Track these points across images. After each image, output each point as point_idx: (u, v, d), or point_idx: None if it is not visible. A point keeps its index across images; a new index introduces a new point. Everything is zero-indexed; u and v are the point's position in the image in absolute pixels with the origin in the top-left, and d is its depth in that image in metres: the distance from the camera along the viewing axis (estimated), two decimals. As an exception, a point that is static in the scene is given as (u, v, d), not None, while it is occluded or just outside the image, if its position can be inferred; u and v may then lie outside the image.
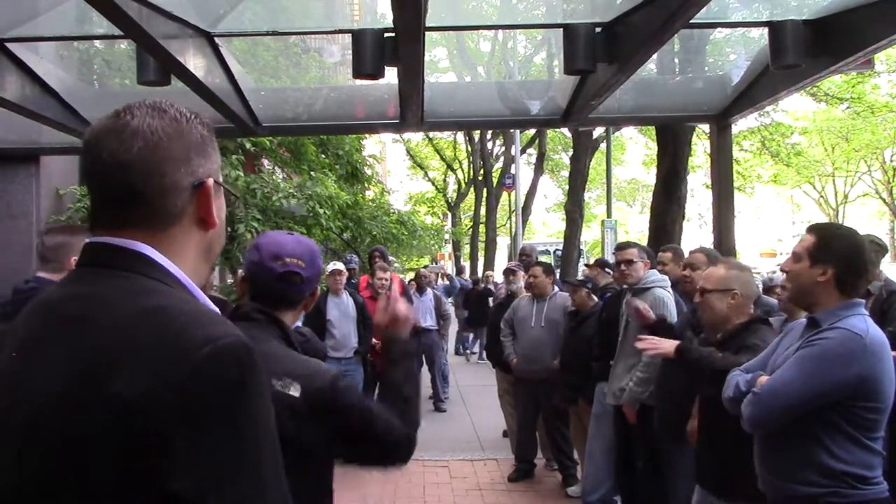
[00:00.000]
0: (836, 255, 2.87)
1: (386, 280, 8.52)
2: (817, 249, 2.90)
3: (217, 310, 1.26)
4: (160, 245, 1.23)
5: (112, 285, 1.17)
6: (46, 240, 3.57)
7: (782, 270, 3.10)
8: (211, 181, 1.29)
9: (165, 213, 1.24)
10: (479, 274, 25.88)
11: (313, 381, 1.97)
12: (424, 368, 11.11)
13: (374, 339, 8.15)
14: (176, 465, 1.01)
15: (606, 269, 7.49)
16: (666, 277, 5.53)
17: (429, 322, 10.82)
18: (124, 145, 1.21)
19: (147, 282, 1.18)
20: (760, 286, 6.87)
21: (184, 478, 1.01)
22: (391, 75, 5.41)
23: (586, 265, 10.41)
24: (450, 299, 16.53)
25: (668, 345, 3.97)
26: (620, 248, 5.88)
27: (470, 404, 11.55)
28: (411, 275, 15.37)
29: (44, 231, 3.83)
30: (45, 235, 3.64)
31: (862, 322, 2.81)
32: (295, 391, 1.93)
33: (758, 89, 6.04)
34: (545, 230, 51.79)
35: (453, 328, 15.77)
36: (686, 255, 5.56)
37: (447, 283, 20.00)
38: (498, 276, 17.89)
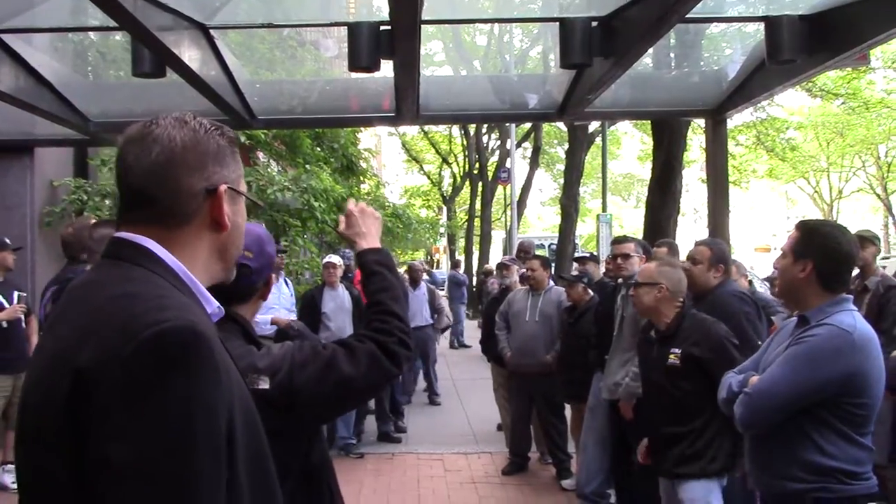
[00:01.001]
0: (814, 249, 2.88)
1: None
2: (798, 245, 2.91)
3: (212, 304, 1.41)
4: (170, 242, 1.35)
5: (111, 273, 1.31)
6: (94, 233, 3.98)
7: (774, 267, 3.11)
8: (224, 187, 1.40)
9: (177, 214, 1.36)
10: (475, 267, 25.93)
11: (276, 372, 1.95)
12: (418, 363, 11.13)
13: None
14: (111, 431, 1.09)
15: (583, 262, 7.53)
16: None
17: (423, 318, 10.78)
18: (144, 151, 1.35)
19: (136, 270, 1.30)
20: (757, 284, 6.90)
21: (120, 448, 1.09)
22: (387, 69, 5.41)
23: (574, 259, 10.40)
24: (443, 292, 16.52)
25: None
26: (617, 241, 5.90)
27: (464, 398, 11.57)
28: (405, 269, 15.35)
29: (92, 224, 4.33)
30: (92, 228, 4.10)
31: (850, 318, 2.82)
32: (264, 383, 1.92)
33: (753, 84, 6.05)
34: (540, 224, 51.80)
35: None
36: (690, 248, 5.55)
37: (426, 277, 20.04)
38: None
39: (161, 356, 1.13)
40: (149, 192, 1.35)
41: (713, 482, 3.93)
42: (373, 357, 2.03)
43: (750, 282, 7.85)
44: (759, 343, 3.99)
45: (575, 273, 7.03)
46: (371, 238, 2.31)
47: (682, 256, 5.77)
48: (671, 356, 3.97)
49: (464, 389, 12.26)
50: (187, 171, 1.36)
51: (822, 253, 2.86)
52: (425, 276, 19.54)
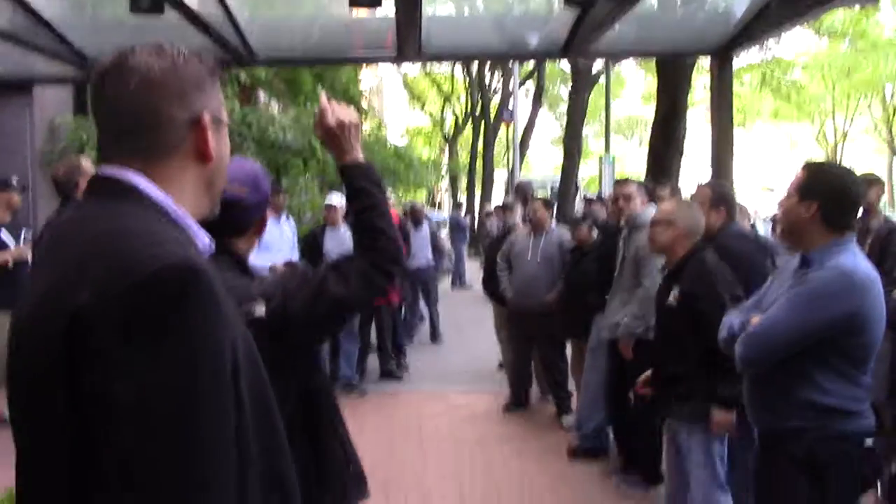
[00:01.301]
0: (820, 190, 2.85)
1: (385, 214, 8.45)
2: (804, 185, 2.89)
3: (203, 238, 1.37)
4: (156, 176, 1.30)
5: (96, 210, 1.27)
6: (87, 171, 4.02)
7: (779, 207, 3.10)
8: (207, 116, 1.36)
9: (161, 146, 1.32)
10: (476, 208, 25.88)
11: (270, 299, 1.97)
12: (421, 303, 11.20)
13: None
14: (113, 371, 1.07)
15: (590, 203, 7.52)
16: None
17: (425, 259, 10.82)
18: (122, 82, 1.29)
19: (124, 206, 1.26)
20: (761, 225, 6.90)
21: (119, 383, 1.06)
22: (388, 7, 5.33)
23: (586, 199, 10.41)
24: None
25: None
26: (620, 183, 5.89)
27: (466, 337, 11.66)
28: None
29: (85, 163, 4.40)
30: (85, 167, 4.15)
31: (852, 258, 2.82)
32: (260, 311, 1.94)
33: (760, 23, 5.96)
34: (543, 165, 51.59)
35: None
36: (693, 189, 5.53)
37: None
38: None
39: (160, 294, 1.10)
40: (129, 124, 1.31)
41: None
42: (363, 274, 2.05)
43: (752, 224, 7.86)
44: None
45: (580, 214, 7.03)
46: (354, 151, 2.20)
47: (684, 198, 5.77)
48: (671, 295, 4.00)
49: (465, 328, 12.35)
50: (168, 100, 1.31)
51: (828, 193, 2.85)
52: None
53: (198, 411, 1.11)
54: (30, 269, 1.34)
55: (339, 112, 2.19)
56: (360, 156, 2.21)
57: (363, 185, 2.18)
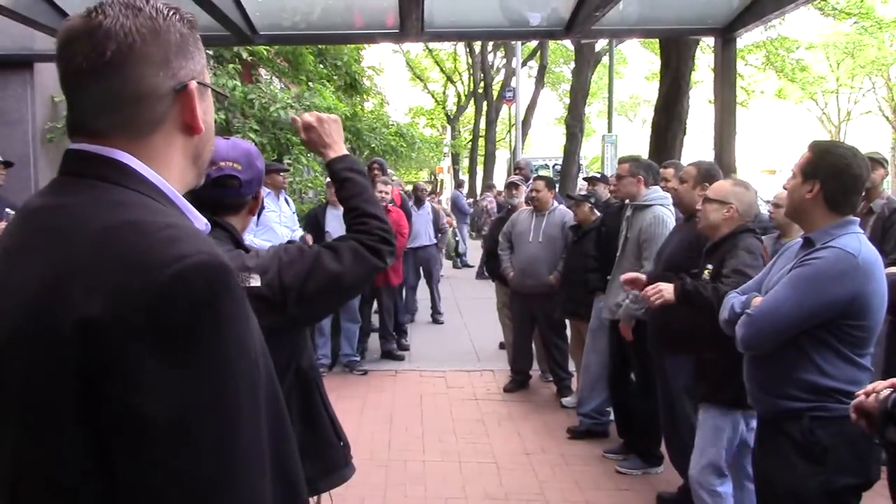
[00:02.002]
0: (823, 170, 2.84)
1: (386, 194, 8.40)
2: (808, 165, 2.88)
3: (200, 221, 1.24)
4: (141, 153, 1.17)
5: (86, 196, 1.12)
6: None
7: (784, 188, 3.08)
8: (194, 84, 1.20)
9: (145, 120, 1.17)
10: (479, 187, 25.85)
11: (265, 271, 2.01)
12: (422, 282, 11.20)
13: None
14: (142, 384, 0.96)
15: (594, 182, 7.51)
16: (668, 195, 5.48)
17: (427, 237, 10.82)
18: (97, 49, 1.12)
19: (122, 192, 1.12)
20: (765, 207, 6.87)
21: (150, 397, 0.96)
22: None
23: (584, 179, 10.39)
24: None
25: (668, 290, 3.98)
26: (619, 161, 5.89)
27: (467, 317, 11.68)
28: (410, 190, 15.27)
29: None
30: None
31: (855, 240, 2.81)
32: (255, 281, 1.97)
33: (765, 2, 5.92)
34: (545, 144, 51.47)
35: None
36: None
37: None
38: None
39: (188, 297, 0.99)
40: (108, 97, 1.14)
41: (728, 412, 3.94)
42: (356, 252, 2.12)
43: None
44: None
45: (583, 193, 7.02)
46: (336, 146, 2.31)
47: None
48: (705, 271, 3.98)
49: (466, 308, 12.37)
50: (151, 69, 1.15)
51: (831, 174, 2.83)
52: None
53: (238, 422, 1.03)
54: None
55: (310, 116, 2.30)
56: (342, 149, 2.32)
57: (347, 175, 2.27)
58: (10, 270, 1.09)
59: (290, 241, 6.87)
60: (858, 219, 2.94)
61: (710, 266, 3.96)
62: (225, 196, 2.17)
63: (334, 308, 6.31)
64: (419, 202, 11.05)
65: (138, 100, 1.15)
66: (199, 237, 1.08)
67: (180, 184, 1.23)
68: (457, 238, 18.05)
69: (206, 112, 1.26)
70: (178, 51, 1.18)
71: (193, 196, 2.12)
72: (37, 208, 1.16)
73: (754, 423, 4.06)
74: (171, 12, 1.19)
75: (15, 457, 1.06)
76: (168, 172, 1.20)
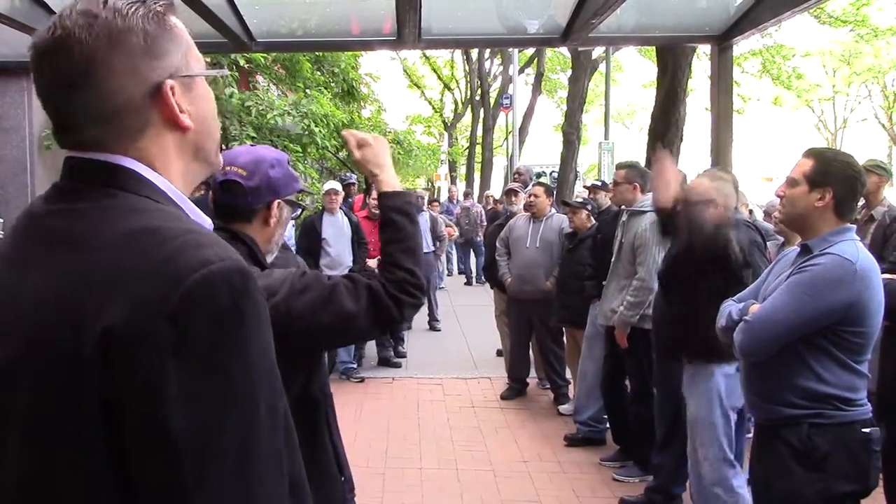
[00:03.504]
0: (835, 179, 2.82)
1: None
2: (816, 173, 2.84)
3: (206, 222, 1.21)
4: (140, 156, 1.14)
5: (99, 203, 1.09)
6: None
7: (777, 195, 3.04)
8: (168, 83, 1.13)
9: (126, 128, 1.12)
10: (476, 194, 25.84)
11: (273, 294, 1.88)
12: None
13: (368, 259, 8.22)
14: (168, 397, 0.94)
15: (594, 190, 7.51)
16: None
17: (425, 245, 10.81)
18: (60, 70, 1.08)
19: (135, 199, 1.10)
20: (761, 215, 6.87)
21: (177, 410, 0.95)
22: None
23: (585, 187, 10.38)
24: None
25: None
26: (616, 168, 5.90)
27: (464, 324, 11.67)
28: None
29: None
30: None
31: (853, 247, 2.80)
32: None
33: (761, 10, 5.93)
34: (542, 151, 51.48)
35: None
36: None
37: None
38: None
39: (213, 306, 0.98)
40: (90, 111, 1.10)
41: (705, 366, 4.04)
42: (375, 296, 1.97)
43: (751, 210, 7.84)
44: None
45: (580, 200, 7.02)
46: (388, 171, 2.16)
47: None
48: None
49: (463, 315, 12.36)
50: (118, 80, 1.09)
51: (842, 181, 2.83)
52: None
53: (260, 430, 1.02)
54: None
55: (360, 135, 2.18)
56: (393, 180, 2.16)
57: (394, 217, 2.11)
58: (20, 279, 1.07)
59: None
60: (854, 226, 2.94)
61: None
62: (231, 202, 2.09)
63: (338, 345, 6.11)
64: (417, 210, 11.03)
65: (117, 113, 1.11)
66: (218, 242, 1.06)
67: (183, 181, 1.20)
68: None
69: (195, 102, 1.19)
70: (146, 53, 1.11)
71: (214, 201, 2.09)
72: (44, 214, 1.13)
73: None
74: (133, 9, 1.11)
75: (20, 469, 1.03)
76: (168, 173, 1.17)
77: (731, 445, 4.06)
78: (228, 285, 1.00)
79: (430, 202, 17.94)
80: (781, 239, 5.33)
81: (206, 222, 1.21)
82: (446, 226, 13.64)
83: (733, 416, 4.09)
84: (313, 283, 1.96)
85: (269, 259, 2.21)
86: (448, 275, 18.07)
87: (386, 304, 1.98)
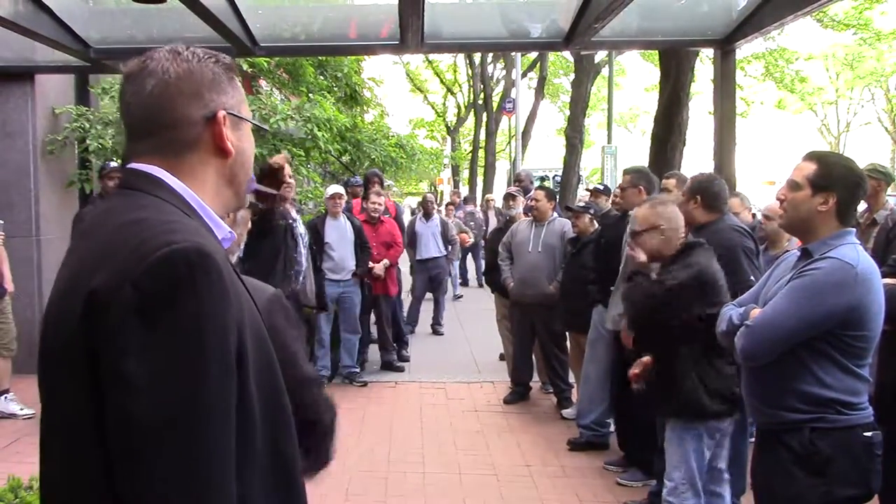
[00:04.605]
0: (839, 183, 2.82)
1: (379, 205, 8.59)
2: (820, 177, 2.82)
3: (223, 229, 1.44)
4: (176, 170, 1.40)
5: (121, 201, 1.36)
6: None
7: (778, 198, 3.00)
8: (222, 113, 1.42)
9: (179, 143, 1.40)
10: (478, 198, 25.82)
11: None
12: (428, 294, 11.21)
13: (370, 262, 8.23)
14: (126, 348, 1.15)
15: (596, 194, 7.50)
16: None
17: (436, 249, 10.85)
18: (141, 86, 1.39)
19: (147, 198, 1.34)
20: (760, 217, 6.85)
21: (134, 362, 1.14)
22: (391, -5, 5.31)
23: (587, 190, 10.41)
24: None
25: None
26: (623, 173, 5.88)
27: (467, 328, 11.67)
28: (408, 199, 15.24)
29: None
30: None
31: (853, 251, 2.80)
32: None
33: (764, 14, 5.94)
34: (545, 155, 51.50)
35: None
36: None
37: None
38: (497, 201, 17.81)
39: (170, 275, 1.18)
40: (149, 124, 1.40)
41: (691, 427, 3.94)
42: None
43: (753, 215, 7.84)
44: (753, 280, 3.98)
45: (582, 204, 7.02)
46: None
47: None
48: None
49: (466, 320, 12.36)
50: (183, 100, 1.40)
51: (845, 186, 2.82)
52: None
53: (208, 390, 1.18)
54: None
55: None
56: None
57: None
58: (65, 261, 1.37)
59: None
60: (854, 229, 2.94)
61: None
62: None
63: None
64: (427, 214, 11.07)
65: (173, 125, 1.40)
66: (195, 232, 1.28)
67: (216, 201, 1.46)
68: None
69: (242, 139, 1.49)
70: (211, 86, 1.43)
71: None
72: (89, 213, 1.49)
73: (727, 441, 4.09)
74: (208, 56, 1.45)
75: (47, 418, 1.33)
76: (202, 188, 1.43)
77: (702, 467, 4.02)
78: (186, 260, 1.20)
79: (447, 206, 17.96)
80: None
81: (223, 230, 1.45)
82: (461, 231, 13.67)
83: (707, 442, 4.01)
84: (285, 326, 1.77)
85: (233, 259, 2.19)
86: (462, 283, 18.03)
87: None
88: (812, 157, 2.93)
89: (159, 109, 1.39)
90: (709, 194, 4.65)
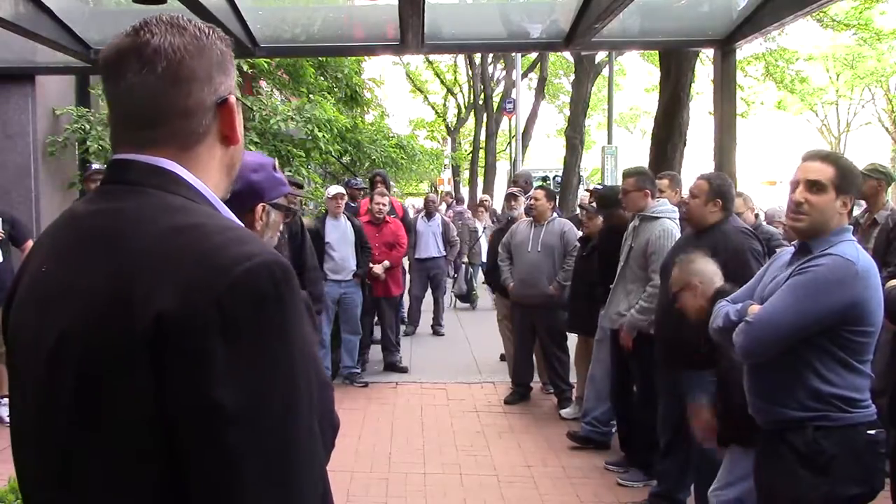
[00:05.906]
0: (854, 185, 2.87)
1: (384, 205, 8.58)
2: (841, 180, 2.81)
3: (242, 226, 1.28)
4: (187, 163, 1.24)
5: (142, 202, 1.18)
6: None
7: (798, 200, 2.85)
8: (233, 97, 1.30)
9: (191, 132, 1.24)
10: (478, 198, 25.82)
11: None
12: (427, 293, 11.20)
13: (371, 263, 8.23)
14: (217, 375, 1.03)
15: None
16: (675, 209, 5.49)
17: (436, 249, 10.85)
18: (148, 65, 1.20)
19: (176, 199, 1.19)
20: (763, 219, 6.86)
21: (225, 388, 1.03)
22: (391, -4, 5.31)
23: (587, 190, 10.41)
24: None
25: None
26: (624, 175, 5.85)
27: (468, 329, 11.67)
28: (409, 200, 15.25)
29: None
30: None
31: (852, 248, 2.81)
32: None
33: (764, 14, 5.94)
34: (545, 156, 51.47)
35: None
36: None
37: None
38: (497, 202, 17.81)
39: (257, 291, 1.07)
40: (157, 111, 1.21)
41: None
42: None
43: (756, 215, 7.83)
44: None
45: (582, 203, 7.01)
46: None
47: (685, 189, 5.75)
48: None
49: (467, 320, 12.36)
50: (197, 84, 1.23)
51: (856, 188, 2.90)
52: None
53: (299, 410, 1.11)
54: (30, 259, 1.28)
55: None
56: None
57: None
58: (70, 273, 1.16)
59: None
60: (852, 227, 2.95)
61: None
62: None
63: None
64: (430, 214, 11.08)
65: (187, 114, 1.23)
66: (256, 239, 1.17)
67: (217, 191, 1.31)
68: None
69: (240, 124, 1.34)
70: (219, 67, 1.27)
71: None
72: (88, 213, 1.22)
73: None
74: (212, 31, 1.28)
75: (70, 447, 1.12)
76: (208, 181, 1.27)
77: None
78: (270, 275, 1.09)
79: (448, 206, 17.88)
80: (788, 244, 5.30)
81: (240, 226, 1.28)
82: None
83: None
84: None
85: None
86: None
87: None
88: (824, 158, 2.88)
89: (173, 95, 1.21)
90: (729, 196, 4.63)
